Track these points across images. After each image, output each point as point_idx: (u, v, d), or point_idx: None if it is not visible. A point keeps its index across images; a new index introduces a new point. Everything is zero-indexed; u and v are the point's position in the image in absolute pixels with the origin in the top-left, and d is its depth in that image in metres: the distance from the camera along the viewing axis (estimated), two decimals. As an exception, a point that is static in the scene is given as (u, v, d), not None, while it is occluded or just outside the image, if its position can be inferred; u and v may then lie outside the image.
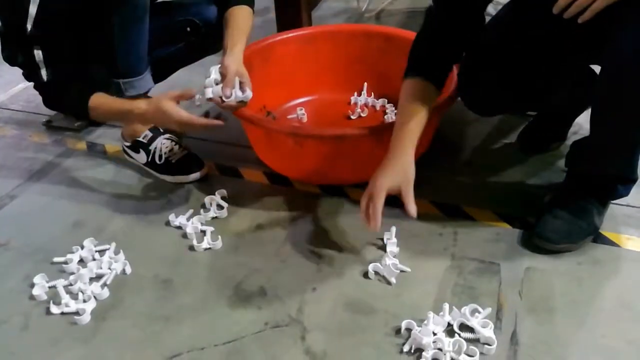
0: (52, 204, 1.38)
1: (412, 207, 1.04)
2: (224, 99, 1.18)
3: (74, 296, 1.11)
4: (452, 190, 1.33)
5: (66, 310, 1.08)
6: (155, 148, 1.40)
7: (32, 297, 1.11)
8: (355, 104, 1.64)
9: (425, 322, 0.98)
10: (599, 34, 1.00)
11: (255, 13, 1.42)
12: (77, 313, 1.07)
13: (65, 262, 1.18)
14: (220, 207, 1.31)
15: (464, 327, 0.99)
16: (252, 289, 1.11)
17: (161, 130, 1.44)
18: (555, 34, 1.07)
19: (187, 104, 1.23)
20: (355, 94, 1.66)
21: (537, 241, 1.14)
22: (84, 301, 1.09)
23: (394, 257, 1.13)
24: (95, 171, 1.48)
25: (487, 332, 0.97)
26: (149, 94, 1.40)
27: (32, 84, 1.32)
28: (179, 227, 1.27)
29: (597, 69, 1.11)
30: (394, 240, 1.17)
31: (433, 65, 1.16)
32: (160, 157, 1.40)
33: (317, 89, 1.66)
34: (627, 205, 1.24)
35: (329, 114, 1.62)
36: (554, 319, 1.01)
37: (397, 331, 1.00)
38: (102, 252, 1.20)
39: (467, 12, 1.13)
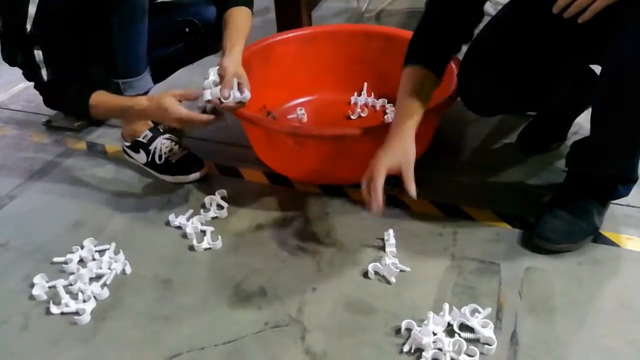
0: (52, 203, 1.38)
1: (412, 188, 1.02)
2: (222, 100, 1.18)
3: (74, 296, 1.11)
4: (452, 190, 1.33)
5: (66, 310, 1.08)
6: (155, 148, 1.40)
7: (32, 297, 1.11)
8: (355, 104, 1.64)
9: (425, 322, 0.98)
10: (599, 33, 1.00)
11: (255, 13, 1.42)
12: (77, 313, 1.07)
13: (65, 262, 1.18)
14: (220, 207, 1.31)
15: (464, 327, 0.99)
16: (252, 289, 1.11)
17: (161, 130, 1.44)
18: (555, 34, 1.07)
19: (187, 102, 1.23)
20: (355, 94, 1.66)
21: (537, 241, 1.14)
22: (84, 301, 1.09)
23: (393, 257, 1.13)
24: (95, 171, 1.48)
25: (487, 332, 0.97)
26: (148, 94, 1.40)
27: (32, 83, 1.32)
28: (179, 227, 1.27)
29: (597, 69, 1.11)
30: (394, 240, 1.17)
31: (432, 53, 1.16)
32: (160, 157, 1.40)
33: (317, 89, 1.66)
34: (627, 205, 1.24)
35: (329, 114, 1.62)
36: (554, 319, 1.01)
37: (397, 331, 1.00)
38: (102, 252, 1.20)
39: (466, 2, 1.13)
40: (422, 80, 1.13)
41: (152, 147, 1.41)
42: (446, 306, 1.01)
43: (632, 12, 0.92)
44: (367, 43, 1.63)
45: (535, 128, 1.46)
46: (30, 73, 1.27)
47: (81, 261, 1.19)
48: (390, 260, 1.11)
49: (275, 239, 1.23)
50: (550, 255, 1.13)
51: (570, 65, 1.18)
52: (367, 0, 2.38)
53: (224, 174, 1.44)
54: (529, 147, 1.44)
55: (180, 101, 1.20)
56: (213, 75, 1.22)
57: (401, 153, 1.05)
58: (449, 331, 0.99)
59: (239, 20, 1.34)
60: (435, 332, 0.97)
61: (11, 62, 1.28)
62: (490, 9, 1.87)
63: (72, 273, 1.15)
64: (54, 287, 1.12)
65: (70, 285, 1.13)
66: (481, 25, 1.20)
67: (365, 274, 1.12)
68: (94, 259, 1.19)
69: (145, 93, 1.38)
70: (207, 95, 1.18)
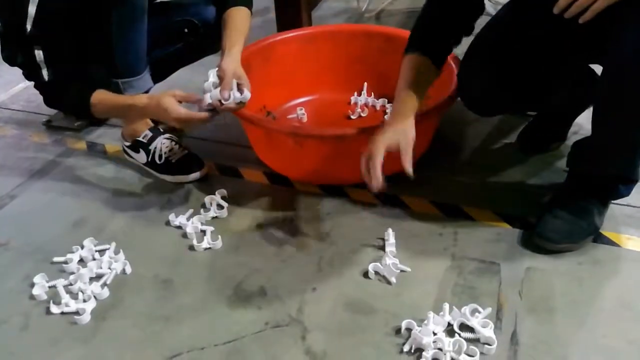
0: (52, 203, 1.38)
1: (409, 167, 1.02)
2: (222, 101, 1.19)
3: (74, 296, 1.11)
4: (452, 190, 1.33)
5: (66, 310, 1.08)
6: (155, 148, 1.40)
7: (32, 297, 1.11)
8: (356, 103, 1.64)
9: (426, 322, 0.98)
10: (600, 34, 1.00)
11: (255, 13, 1.42)
12: (77, 313, 1.07)
13: (65, 262, 1.18)
14: (220, 207, 1.31)
15: (464, 327, 0.99)
16: (252, 289, 1.11)
17: (161, 130, 1.44)
18: (556, 34, 1.07)
19: (187, 103, 1.23)
20: (356, 93, 1.66)
21: (537, 241, 1.14)
22: (84, 301, 1.09)
23: (394, 257, 1.13)
24: (96, 171, 1.48)
25: (487, 332, 0.97)
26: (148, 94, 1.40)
27: (32, 83, 1.32)
28: (179, 227, 1.27)
29: (597, 68, 1.11)
30: (394, 240, 1.17)
31: (432, 42, 1.16)
32: (160, 156, 1.40)
33: (317, 88, 1.66)
34: (628, 205, 1.24)
35: (329, 113, 1.62)
36: (554, 319, 1.01)
37: (397, 331, 1.00)
38: (102, 252, 1.20)
39: None
40: (422, 67, 1.13)
41: (152, 147, 1.41)
42: (446, 306, 1.01)
43: (633, 12, 0.92)
44: (368, 43, 1.63)
45: (536, 128, 1.46)
46: (31, 73, 1.27)
47: (81, 261, 1.19)
48: (391, 260, 1.11)
49: (275, 239, 1.23)
50: (551, 255, 1.13)
51: (570, 65, 1.18)
52: (367, 0, 2.38)
53: (224, 174, 1.44)
54: (529, 147, 1.44)
55: (180, 102, 1.20)
56: (213, 76, 1.22)
57: (401, 133, 1.05)
58: (449, 331, 0.99)
59: (238, 20, 1.34)
60: (436, 332, 0.97)
61: (11, 62, 1.28)
62: (490, 9, 1.88)
63: (72, 273, 1.15)
64: (54, 286, 1.12)
65: (71, 285, 1.13)
66: (481, 21, 1.20)
67: (366, 274, 1.12)
68: (94, 259, 1.19)
69: (145, 93, 1.38)
70: (208, 99, 1.19)
